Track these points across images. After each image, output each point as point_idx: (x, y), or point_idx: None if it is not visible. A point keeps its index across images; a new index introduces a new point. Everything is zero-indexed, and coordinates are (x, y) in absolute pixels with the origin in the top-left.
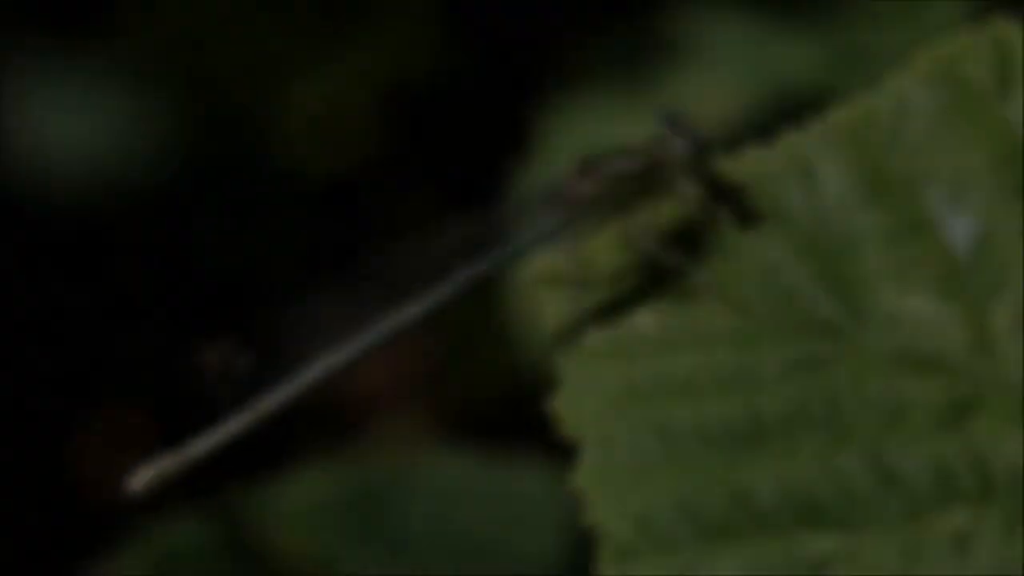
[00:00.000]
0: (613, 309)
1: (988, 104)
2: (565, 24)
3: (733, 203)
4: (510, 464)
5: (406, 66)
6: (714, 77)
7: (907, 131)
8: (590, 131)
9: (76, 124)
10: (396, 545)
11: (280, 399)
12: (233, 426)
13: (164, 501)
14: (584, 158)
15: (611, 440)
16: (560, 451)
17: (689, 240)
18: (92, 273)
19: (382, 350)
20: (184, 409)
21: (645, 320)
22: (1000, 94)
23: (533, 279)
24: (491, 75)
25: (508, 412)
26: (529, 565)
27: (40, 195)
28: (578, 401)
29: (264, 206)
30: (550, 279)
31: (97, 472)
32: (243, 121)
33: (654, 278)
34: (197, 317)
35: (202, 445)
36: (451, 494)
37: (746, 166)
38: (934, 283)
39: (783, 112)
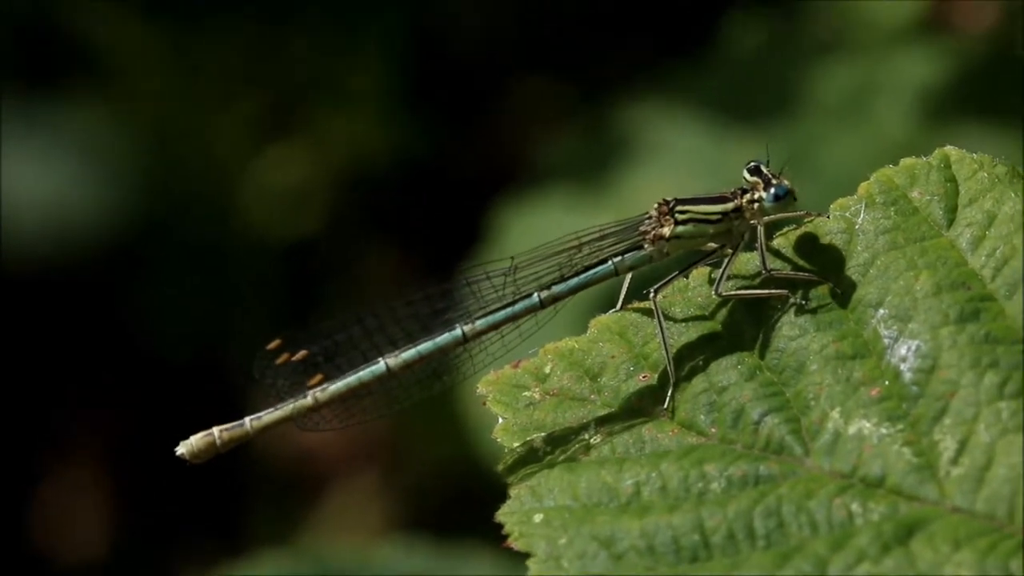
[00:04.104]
0: (562, 422)
1: (935, 229)
2: (526, 119)
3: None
4: (463, 553)
5: (368, 149)
6: (664, 174)
7: (854, 253)
8: (542, 223)
9: (36, 180)
10: None
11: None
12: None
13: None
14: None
15: (558, 553)
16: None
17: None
18: (45, 328)
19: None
20: (138, 466)
21: (593, 434)
22: (947, 219)
23: (485, 389)
24: (452, 162)
25: (462, 502)
26: None
27: None
28: (525, 513)
29: (222, 268)
30: (501, 389)
31: (54, 531)
32: (204, 188)
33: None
34: (154, 374)
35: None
36: None
37: (694, 281)
38: (879, 406)
39: None
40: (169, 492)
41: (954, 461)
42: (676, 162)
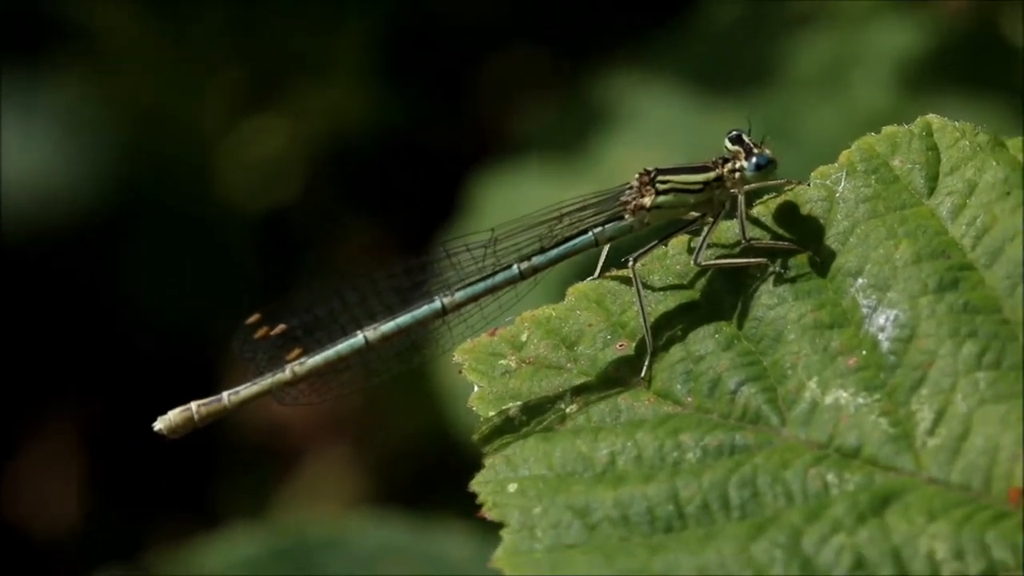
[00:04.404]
0: (538, 390)
1: (915, 197)
2: (504, 91)
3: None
4: (436, 526)
5: (347, 121)
6: (643, 145)
7: (834, 222)
8: (521, 194)
9: (17, 153)
10: None
11: None
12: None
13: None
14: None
15: (532, 523)
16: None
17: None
18: (21, 300)
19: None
20: (112, 439)
21: (568, 403)
22: (928, 188)
23: (461, 357)
24: (430, 134)
25: (435, 475)
26: None
27: None
28: (499, 483)
29: (201, 239)
30: (477, 357)
31: (27, 505)
32: (184, 160)
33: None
34: (131, 347)
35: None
36: (379, 555)
37: (673, 249)
38: (857, 375)
39: None
40: (142, 465)
41: (931, 432)
42: (654, 133)
